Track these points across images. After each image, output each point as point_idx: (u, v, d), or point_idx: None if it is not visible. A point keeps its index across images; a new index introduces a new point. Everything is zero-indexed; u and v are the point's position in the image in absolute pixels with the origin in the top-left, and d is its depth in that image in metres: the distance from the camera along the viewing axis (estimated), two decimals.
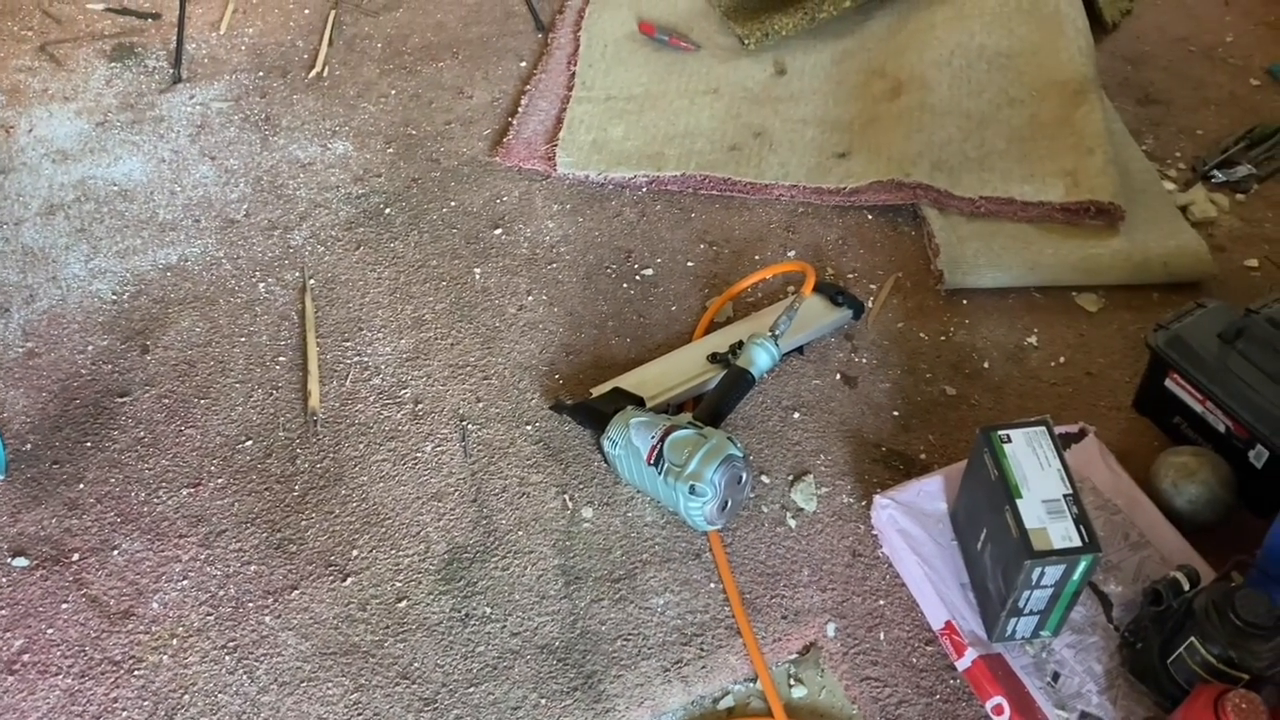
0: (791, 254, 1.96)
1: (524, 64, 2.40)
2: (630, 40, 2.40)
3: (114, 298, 1.89)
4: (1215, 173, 2.07)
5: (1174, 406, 1.60)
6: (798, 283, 1.89)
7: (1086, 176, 1.93)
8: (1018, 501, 1.27)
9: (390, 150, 2.19)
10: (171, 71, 2.35)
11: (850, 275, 1.92)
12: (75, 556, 1.53)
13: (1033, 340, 1.79)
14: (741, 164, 2.10)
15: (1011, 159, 2.00)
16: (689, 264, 1.95)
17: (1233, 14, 2.53)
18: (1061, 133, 2.01)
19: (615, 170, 2.09)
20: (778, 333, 1.67)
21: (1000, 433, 1.34)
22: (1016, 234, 1.91)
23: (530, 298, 1.89)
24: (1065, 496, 1.27)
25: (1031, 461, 1.31)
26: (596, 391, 1.69)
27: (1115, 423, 1.67)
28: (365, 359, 1.79)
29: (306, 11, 2.56)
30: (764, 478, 1.60)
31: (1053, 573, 1.23)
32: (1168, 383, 1.59)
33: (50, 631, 1.44)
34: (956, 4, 2.26)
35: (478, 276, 1.93)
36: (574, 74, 2.31)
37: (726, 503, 1.48)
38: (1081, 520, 1.25)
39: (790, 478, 1.60)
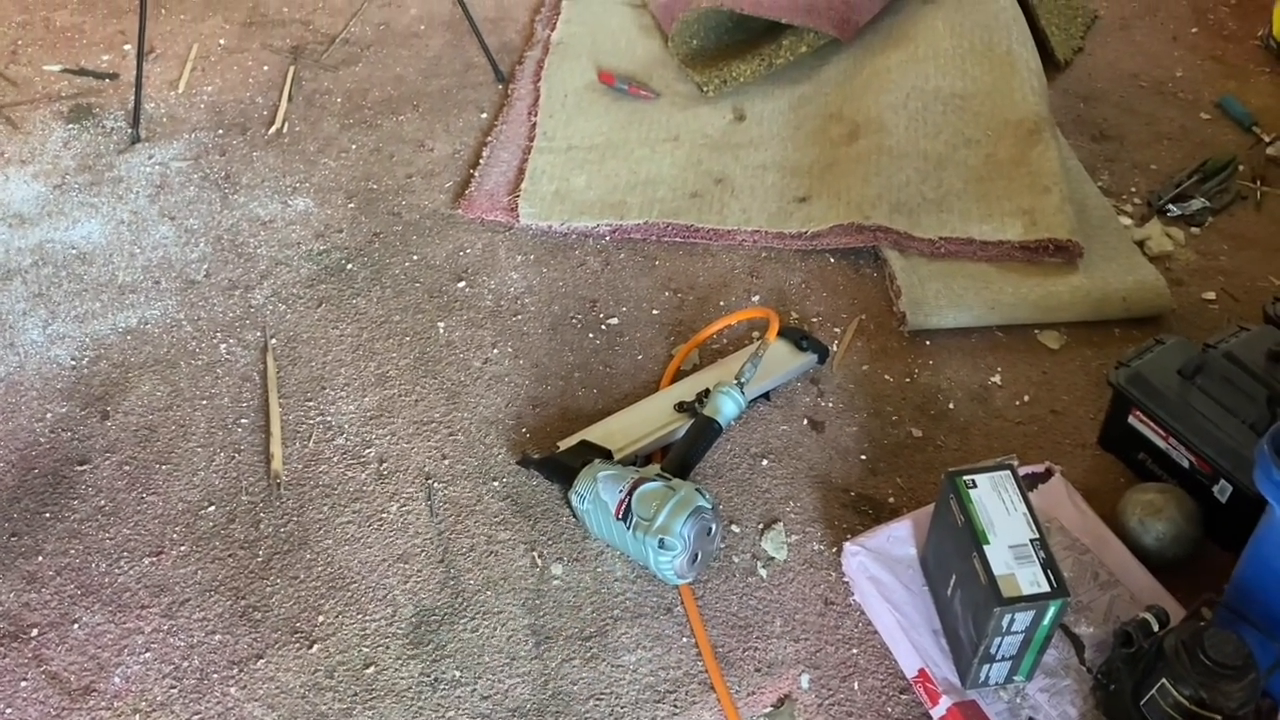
0: (755, 299, 1.97)
1: (484, 115, 2.41)
2: (590, 90, 2.41)
3: (73, 363, 1.87)
4: (1170, 207, 2.10)
5: (1138, 443, 1.61)
6: (762, 328, 1.90)
7: (1044, 215, 1.95)
8: (985, 548, 1.26)
9: (351, 205, 2.18)
10: (130, 132, 2.34)
11: (814, 319, 1.93)
12: (34, 632, 1.49)
13: (996, 380, 1.80)
14: (703, 211, 2.11)
15: (969, 199, 2.02)
16: (654, 312, 1.95)
17: (1181, 49, 2.58)
18: (1018, 172, 2.03)
19: (578, 220, 2.10)
20: (743, 380, 1.67)
21: (965, 478, 1.34)
22: (977, 274, 1.92)
23: (495, 351, 1.88)
24: (1032, 541, 1.27)
25: (997, 506, 1.31)
26: (563, 445, 1.68)
27: (1081, 460, 1.67)
28: (328, 418, 1.77)
29: (265, 68, 2.56)
30: (734, 527, 1.59)
31: (1023, 619, 1.23)
32: (1131, 420, 1.60)
33: (9, 711, 1.41)
34: (911, 47, 2.29)
35: (442, 331, 1.92)
36: (535, 124, 2.32)
37: (697, 555, 1.47)
38: (1049, 565, 1.25)
39: (760, 526, 1.59)
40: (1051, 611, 1.23)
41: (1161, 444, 1.56)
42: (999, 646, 1.26)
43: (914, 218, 2.00)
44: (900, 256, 1.96)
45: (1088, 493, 1.56)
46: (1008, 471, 1.34)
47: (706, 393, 1.69)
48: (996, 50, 2.25)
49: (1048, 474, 1.57)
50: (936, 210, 2.01)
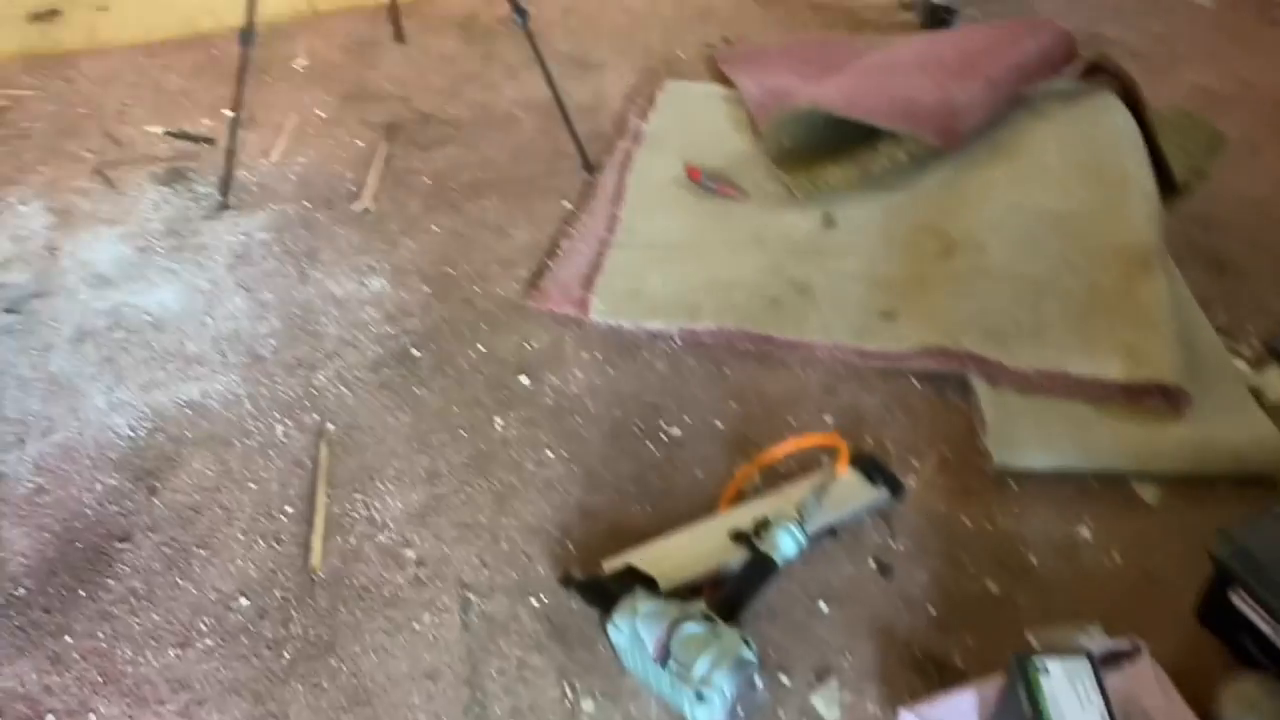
0: (829, 419, 1.86)
1: (568, 205, 2.36)
2: (676, 185, 2.35)
3: (130, 434, 1.86)
4: None
5: (1240, 624, 1.44)
6: (833, 453, 1.79)
7: (1149, 354, 1.80)
8: None
9: (426, 289, 2.15)
10: (219, 199, 2.36)
11: (891, 447, 1.81)
12: (50, 718, 1.45)
13: (1086, 533, 1.66)
14: (781, 319, 2.02)
15: (1068, 330, 1.89)
16: (719, 425, 1.86)
17: None
18: (1123, 304, 1.89)
19: (650, 320, 2.02)
20: (805, 516, 1.56)
21: (1036, 662, 1.20)
22: (1071, 413, 1.78)
23: (550, 453, 1.81)
24: None
25: (1070, 700, 1.17)
26: (608, 565, 1.58)
27: (1174, 634, 1.51)
28: (374, 513, 1.71)
29: (359, 143, 2.57)
30: (783, 677, 1.47)
31: None
32: (1233, 597, 1.44)
33: None
34: (1016, 162, 2.18)
35: (498, 427, 1.86)
36: (616, 218, 2.26)
37: (737, 709, 1.35)
38: None
39: (812, 678, 1.47)
40: None
41: (1267, 629, 1.40)
42: None
43: (1007, 346, 1.87)
44: (989, 388, 1.83)
45: (1180, 674, 1.40)
46: (1085, 659, 1.21)
47: (766, 524, 1.58)
48: (1108, 170, 2.12)
49: (1135, 651, 1.42)
50: (1032, 339, 1.88)
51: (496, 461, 1.80)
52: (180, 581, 1.62)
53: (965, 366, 1.87)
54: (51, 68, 2.80)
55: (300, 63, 2.85)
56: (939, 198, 2.21)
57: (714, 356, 1.99)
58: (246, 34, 2.20)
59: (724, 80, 2.75)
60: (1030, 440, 1.74)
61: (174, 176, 2.45)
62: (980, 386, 1.84)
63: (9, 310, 2.09)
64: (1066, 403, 1.81)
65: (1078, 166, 2.13)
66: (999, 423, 1.77)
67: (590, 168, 2.44)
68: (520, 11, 2.28)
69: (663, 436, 1.84)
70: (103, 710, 1.46)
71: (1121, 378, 1.80)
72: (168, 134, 2.58)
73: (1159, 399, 1.76)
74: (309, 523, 1.70)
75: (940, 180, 2.25)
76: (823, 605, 1.56)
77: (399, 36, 2.92)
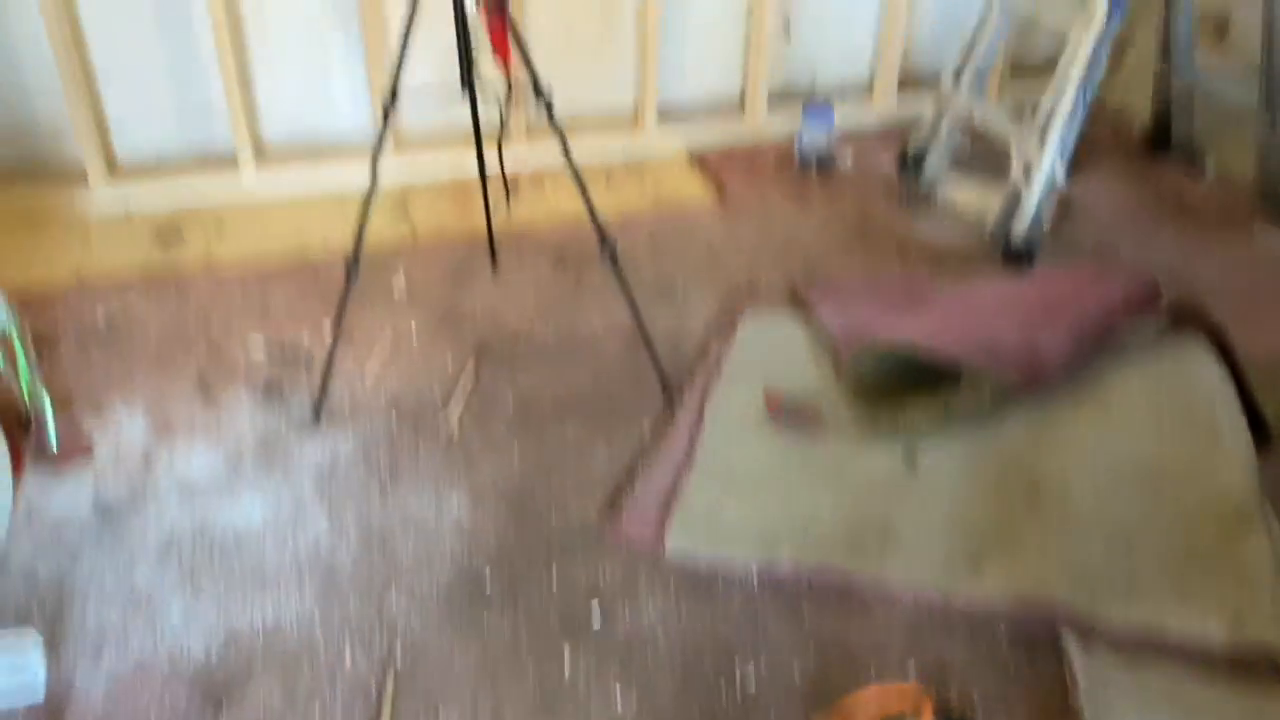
0: (912, 669, 1.78)
1: (647, 432, 2.39)
2: (755, 415, 2.36)
3: (203, 653, 1.86)
4: None
5: None
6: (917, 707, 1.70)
7: (1253, 617, 1.72)
8: None
9: (502, 513, 2.16)
10: (311, 416, 2.43)
11: (978, 701, 1.72)
12: None
13: None
14: (862, 559, 1.97)
15: (1164, 586, 1.81)
16: (795, 671, 1.79)
17: None
18: (1222, 561, 1.82)
19: (726, 554, 1.99)
20: None
21: None
22: (1169, 678, 1.68)
23: (619, 695, 1.76)
24: None
25: None
26: None
27: None
28: None
29: (449, 363, 2.65)
30: None
31: None
32: None
33: None
34: (1104, 407, 2.15)
35: (567, 665, 1.82)
36: (695, 447, 2.27)
37: None
38: None
39: None
40: None
41: None
42: None
43: (1098, 600, 1.80)
44: (1080, 644, 1.75)
45: None
46: None
47: None
48: (1198, 416, 2.09)
49: None
50: (1125, 593, 1.81)
51: (563, 701, 1.75)
52: None
53: (1054, 619, 1.79)
54: (168, 283, 2.97)
55: (399, 286, 2.99)
56: (1024, 441, 2.18)
57: (792, 595, 1.94)
58: (352, 268, 2.32)
59: (806, 312, 2.80)
60: (1126, 705, 1.64)
61: (270, 390, 2.55)
62: (1071, 642, 1.76)
63: (101, 519, 2.15)
64: (1164, 665, 1.71)
65: (1166, 415, 2.09)
66: (1091, 682, 1.68)
67: (671, 394, 2.48)
68: (612, 258, 2.38)
69: (736, 681, 1.78)
70: None
71: (1225, 641, 1.70)
72: (268, 348, 2.70)
73: (1267, 668, 1.66)
74: None
75: (1025, 424, 2.22)
76: None
77: (494, 264, 3.06)
